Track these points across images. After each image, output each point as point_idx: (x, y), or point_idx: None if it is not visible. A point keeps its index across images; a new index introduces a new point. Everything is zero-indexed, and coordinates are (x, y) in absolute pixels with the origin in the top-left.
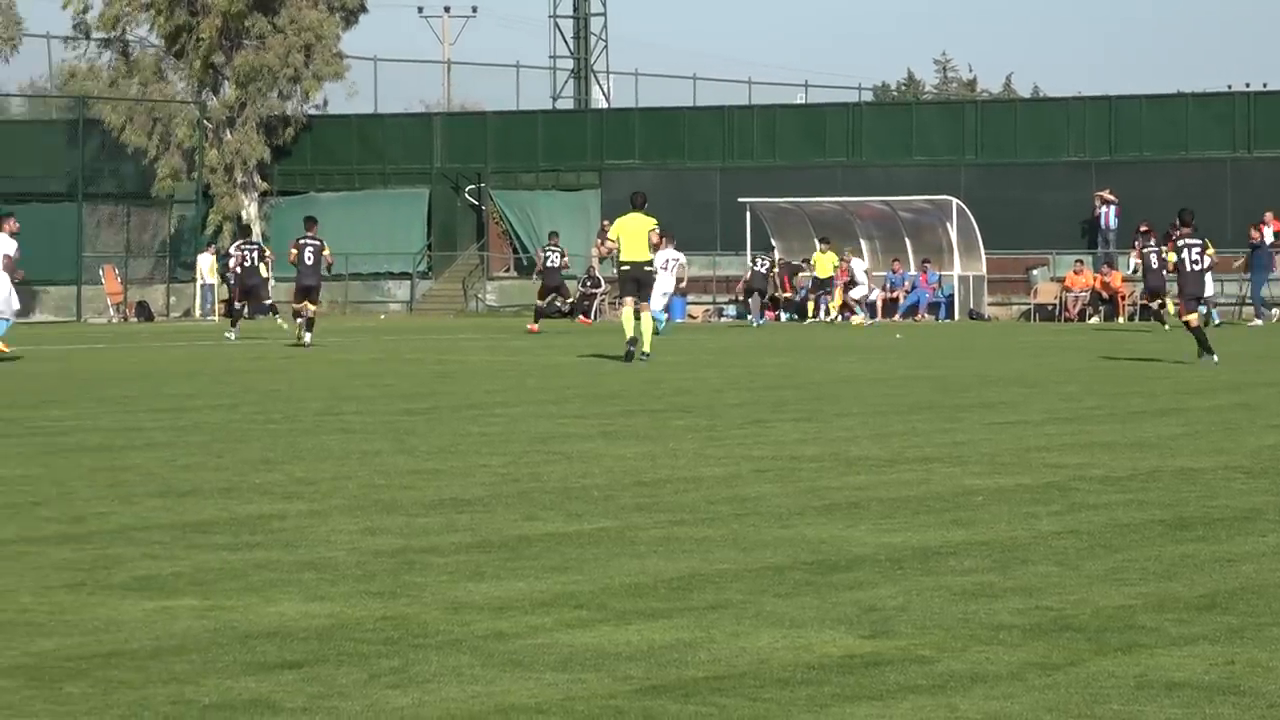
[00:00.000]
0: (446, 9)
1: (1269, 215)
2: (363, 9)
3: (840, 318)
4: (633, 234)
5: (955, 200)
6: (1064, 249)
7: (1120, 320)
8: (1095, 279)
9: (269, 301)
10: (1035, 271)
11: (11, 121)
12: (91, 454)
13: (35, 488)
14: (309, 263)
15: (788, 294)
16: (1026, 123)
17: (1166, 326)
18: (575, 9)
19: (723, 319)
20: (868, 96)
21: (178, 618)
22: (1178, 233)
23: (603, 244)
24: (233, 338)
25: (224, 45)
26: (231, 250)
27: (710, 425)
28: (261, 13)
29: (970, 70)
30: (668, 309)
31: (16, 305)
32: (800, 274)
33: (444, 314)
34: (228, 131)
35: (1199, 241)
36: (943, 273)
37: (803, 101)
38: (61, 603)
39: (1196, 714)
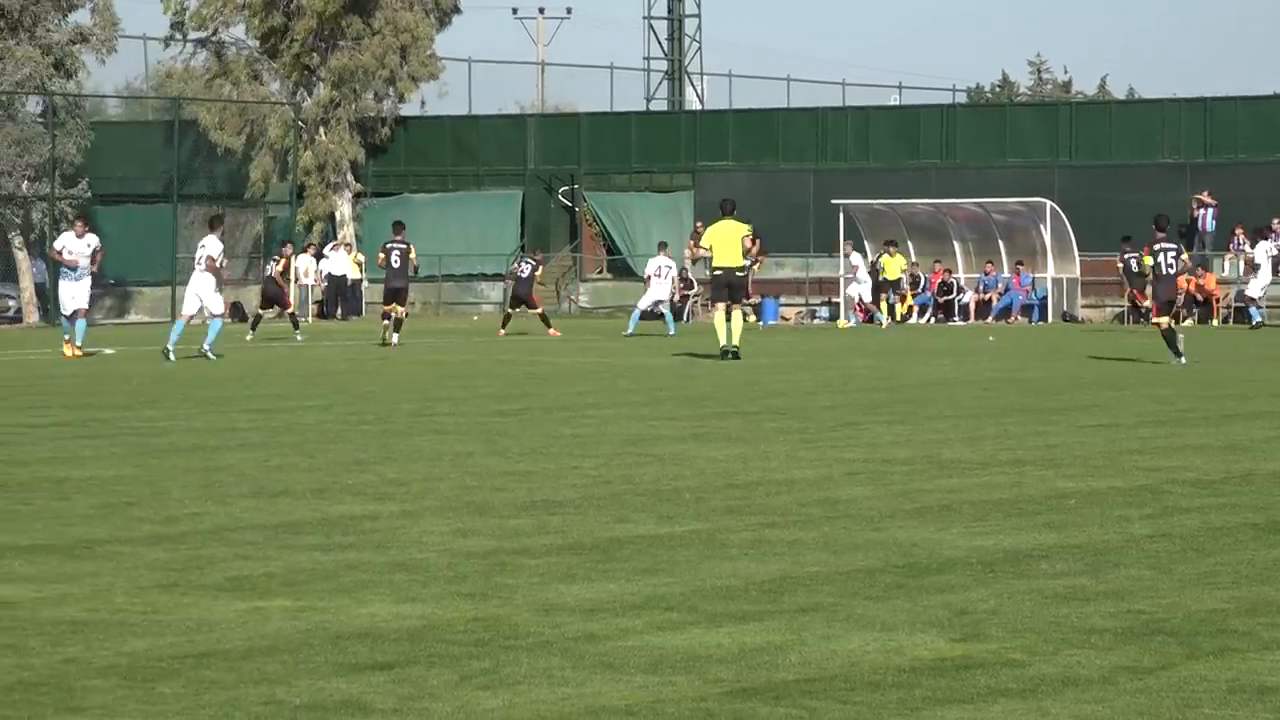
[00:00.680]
0: (541, 10)
1: None
2: (457, 10)
3: (908, 319)
4: (725, 240)
5: (1049, 202)
6: None
7: (1214, 324)
8: (1190, 281)
9: (291, 309)
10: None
11: (108, 122)
12: (185, 455)
13: (129, 488)
14: (396, 265)
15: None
16: (1121, 124)
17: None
18: (670, 10)
19: (815, 321)
20: (962, 98)
21: (270, 618)
22: (1154, 238)
23: (696, 246)
24: (275, 335)
25: (319, 46)
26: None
27: (802, 428)
28: (356, 14)
29: (1065, 71)
30: (679, 315)
31: (219, 308)
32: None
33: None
34: (321, 131)
35: (1174, 246)
36: (1036, 275)
37: (897, 103)
38: (155, 603)
39: None
